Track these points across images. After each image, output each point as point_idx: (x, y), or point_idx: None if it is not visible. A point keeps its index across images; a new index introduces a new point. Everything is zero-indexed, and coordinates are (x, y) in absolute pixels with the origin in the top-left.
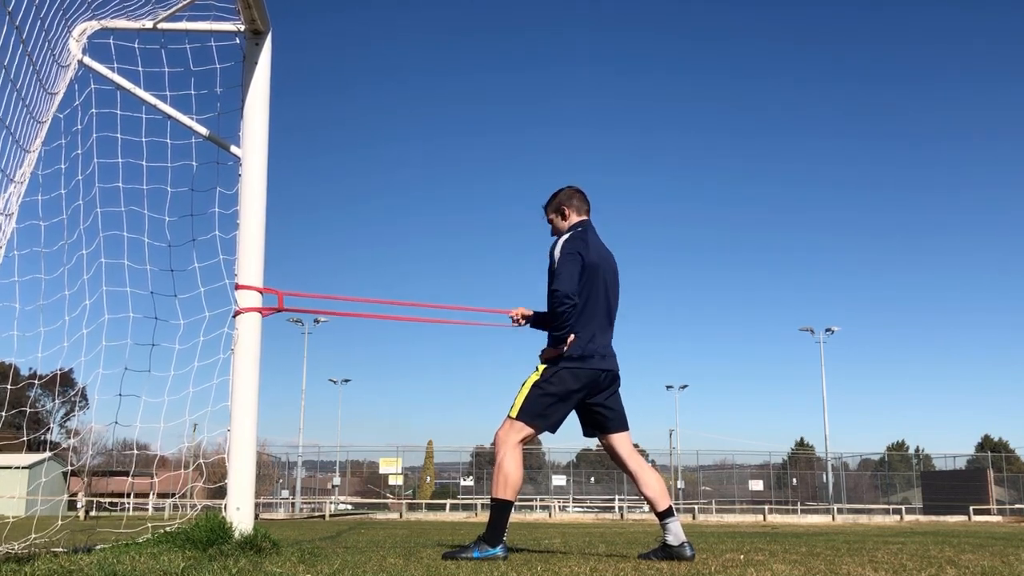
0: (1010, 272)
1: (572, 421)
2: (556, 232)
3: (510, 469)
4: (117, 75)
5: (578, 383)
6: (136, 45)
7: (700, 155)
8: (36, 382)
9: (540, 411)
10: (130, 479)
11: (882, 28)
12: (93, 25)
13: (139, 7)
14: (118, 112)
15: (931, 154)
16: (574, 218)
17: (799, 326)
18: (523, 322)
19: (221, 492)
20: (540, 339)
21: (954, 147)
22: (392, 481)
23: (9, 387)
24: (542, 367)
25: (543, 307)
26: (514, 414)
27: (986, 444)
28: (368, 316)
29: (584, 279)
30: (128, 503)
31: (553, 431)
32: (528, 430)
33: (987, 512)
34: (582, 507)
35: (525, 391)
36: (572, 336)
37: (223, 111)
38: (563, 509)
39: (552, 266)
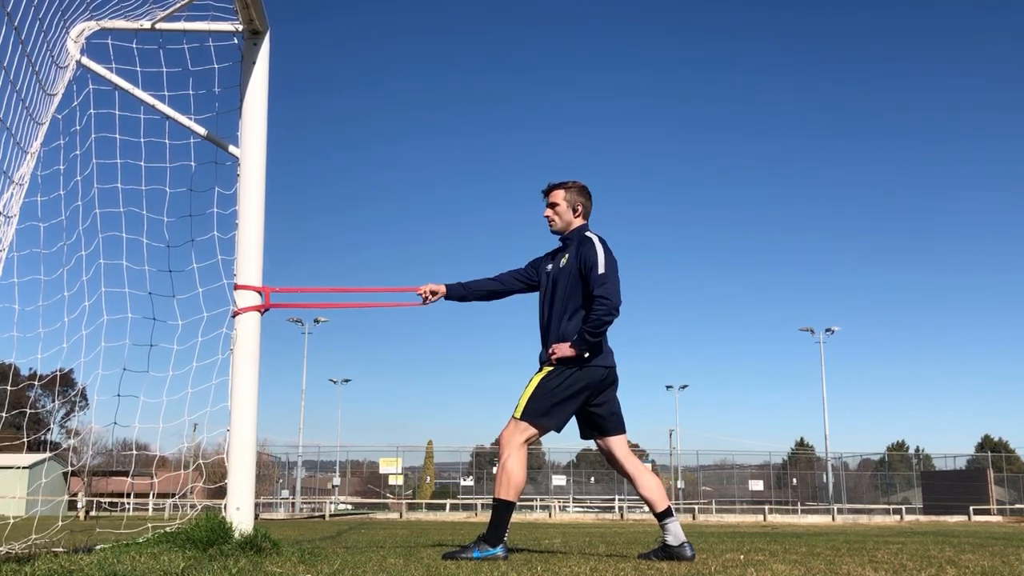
0: (1010, 272)
1: (572, 421)
2: (557, 218)
3: (513, 469)
4: (115, 75)
5: (584, 382)
6: (134, 45)
7: (700, 155)
8: (36, 382)
9: (545, 411)
10: (130, 479)
11: (883, 27)
12: (91, 26)
13: (137, 7)
14: (116, 112)
15: (931, 154)
16: (581, 221)
17: (799, 326)
18: (433, 299)
19: (221, 492)
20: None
21: (954, 147)
22: (392, 481)
23: (9, 387)
24: (547, 368)
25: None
26: (519, 415)
27: (986, 444)
28: (329, 306)
29: None
30: (128, 503)
31: (558, 430)
32: (533, 430)
33: (987, 512)
34: (582, 507)
35: (530, 391)
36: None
37: (221, 111)
38: (563, 509)
39: (587, 268)
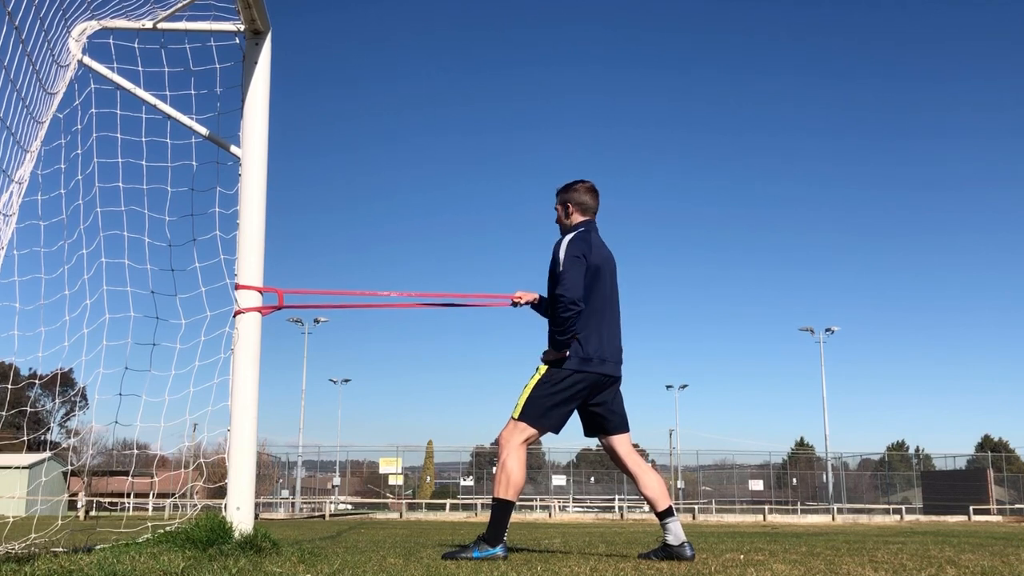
0: (1010, 272)
1: (573, 421)
2: (559, 223)
3: (513, 469)
4: (117, 75)
5: (580, 385)
6: (136, 45)
7: (700, 154)
8: (36, 382)
9: (542, 412)
10: (130, 479)
11: (884, 26)
12: (93, 25)
13: (139, 7)
14: (118, 112)
15: (931, 153)
16: (577, 218)
17: (799, 326)
18: (522, 303)
19: (221, 492)
20: (541, 339)
21: (954, 146)
22: (392, 481)
23: (9, 387)
24: (543, 368)
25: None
26: (516, 415)
27: (986, 444)
28: (367, 306)
29: (588, 282)
30: (128, 503)
31: (556, 431)
32: (531, 431)
33: (987, 512)
34: (582, 507)
35: (527, 392)
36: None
37: (223, 111)
38: (563, 509)
39: (555, 267)
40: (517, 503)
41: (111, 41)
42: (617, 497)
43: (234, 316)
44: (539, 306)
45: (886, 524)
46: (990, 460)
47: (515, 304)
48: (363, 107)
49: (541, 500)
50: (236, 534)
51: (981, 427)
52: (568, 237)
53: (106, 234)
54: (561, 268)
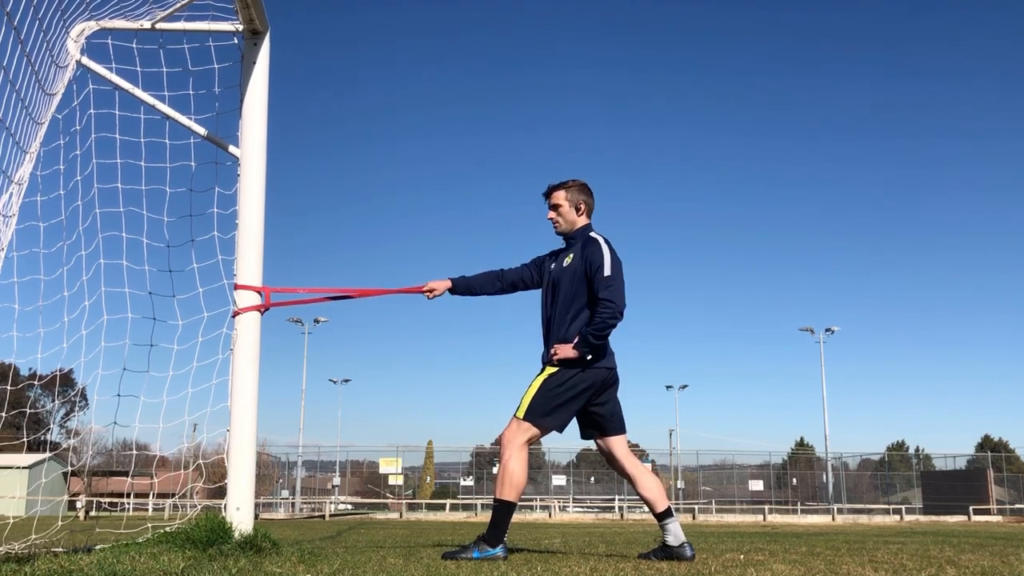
0: (1010, 272)
1: (573, 421)
2: (561, 220)
3: (515, 470)
4: (115, 75)
5: (587, 382)
6: (134, 45)
7: (700, 155)
8: (36, 382)
9: (548, 411)
10: (130, 479)
11: (884, 28)
12: (91, 25)
13: (137, 7)
14: (116, 112)
15: (931, 154)
16: (584, 220)
17: (799, 326)
18: (433, 297)
19: (221, 492)
20: (539, 338)
21: (954, 147)
22: (392, 481)
23: (9, 387)
24: (550, 368)
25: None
26: (521, 414)
27: (986, 444)
28: (324, 300)
29: None
30: (128, 503)
31: (560, 431)
32: (535, 431)
33: (987, 512)
34: (582, 507)
35: (532, 391)
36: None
37: (222, 111)
38: (563, 509)
39: (594, 272)
40: (518, 504)
41: (109, 41)
42: (617, 497)
43: (232, 316)
44: (460, 290)
45: (886, 524)
46: (990, 460)
47: (429, 297)
48: (362, 107)
49: (541, 500)
50: (236, 534)
51: (981, 427)
52: (604, 241)
53: (105, 235)
54: (609, 273)
